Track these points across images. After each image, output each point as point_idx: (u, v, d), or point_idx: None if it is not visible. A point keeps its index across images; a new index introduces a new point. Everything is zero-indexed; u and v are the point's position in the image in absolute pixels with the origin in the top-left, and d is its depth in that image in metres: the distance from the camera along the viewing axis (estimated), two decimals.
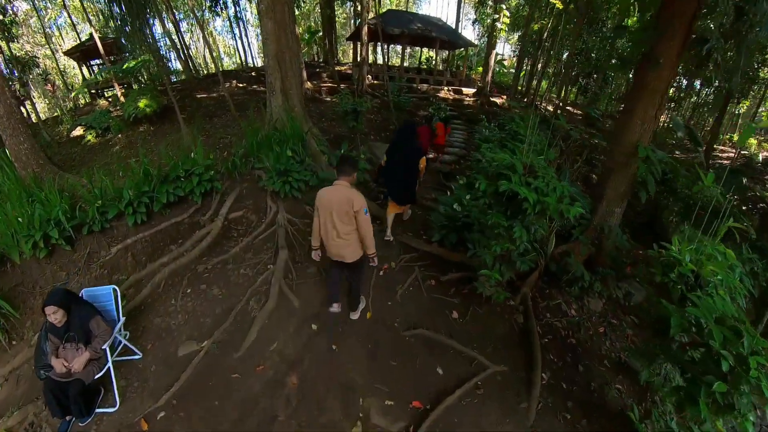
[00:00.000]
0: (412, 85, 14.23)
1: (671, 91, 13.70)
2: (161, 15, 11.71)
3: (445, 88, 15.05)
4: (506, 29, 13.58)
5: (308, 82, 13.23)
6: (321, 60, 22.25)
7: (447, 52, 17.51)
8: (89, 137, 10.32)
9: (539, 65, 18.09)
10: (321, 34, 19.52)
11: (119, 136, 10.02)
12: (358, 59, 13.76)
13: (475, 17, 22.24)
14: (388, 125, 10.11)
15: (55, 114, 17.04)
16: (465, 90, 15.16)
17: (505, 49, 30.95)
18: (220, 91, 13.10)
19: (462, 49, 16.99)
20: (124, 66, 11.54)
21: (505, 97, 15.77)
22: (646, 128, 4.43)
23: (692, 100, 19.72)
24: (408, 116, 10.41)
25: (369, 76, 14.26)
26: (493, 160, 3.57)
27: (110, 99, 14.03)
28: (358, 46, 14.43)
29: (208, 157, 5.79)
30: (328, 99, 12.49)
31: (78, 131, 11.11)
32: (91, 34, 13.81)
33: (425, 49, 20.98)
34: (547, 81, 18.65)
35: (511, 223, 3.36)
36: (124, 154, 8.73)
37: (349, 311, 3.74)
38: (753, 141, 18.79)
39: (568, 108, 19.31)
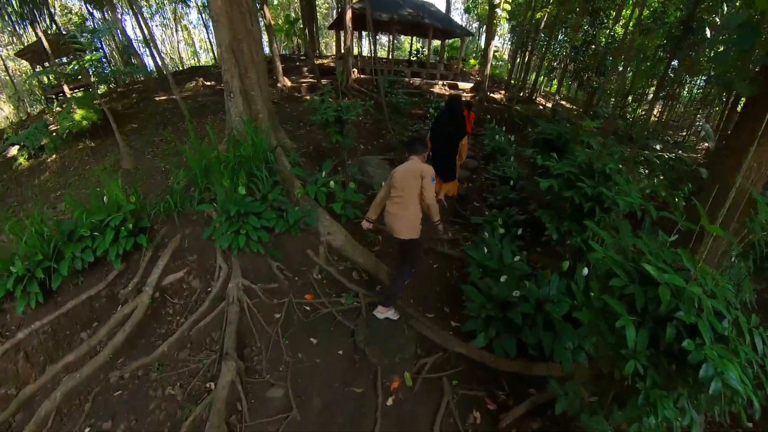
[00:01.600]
0: (404, 79, 12.44)
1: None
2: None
3: (440, 82, 13.27)
4: (507, 17, 11.84)
5: (285, 79, 11.31)
6: (302, 53, 20.10)
7: (439, 43, 15.66)
8: (21, 159, 8.25)
9: (536, 58, 16.48)
10: (301, 23, 17.42)
11: (54, 156, 7.98)
12: (342, 50, 11.84)
13: (465, 4, 20.38)
14: (381, 130, 8.34)
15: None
16: (461, 85, 13.42)
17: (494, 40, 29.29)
18: (181, 92, 11.07)
19: (456, 38, 15.16)
20: (69, 67, 9.36)
21: (503, 92, 14.12)
22: (764, 173, 2.84)
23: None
24: (406, 120, 8.63)
25: (355, 69, 12.38)
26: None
27: (63, 106, 11.82)
28: (341, 35, 12.44)
29: (131, 200, 3.96)
30: (309, 97, 10.62)
31: (13, 151, 8.95)
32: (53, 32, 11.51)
33: (414, 40, 19.03)
34: (544, 75, 17.06)
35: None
36: (51, 184, 6.78)
37: (378, 304, 3.29)
38: None
39: (562, 102, 17.86)
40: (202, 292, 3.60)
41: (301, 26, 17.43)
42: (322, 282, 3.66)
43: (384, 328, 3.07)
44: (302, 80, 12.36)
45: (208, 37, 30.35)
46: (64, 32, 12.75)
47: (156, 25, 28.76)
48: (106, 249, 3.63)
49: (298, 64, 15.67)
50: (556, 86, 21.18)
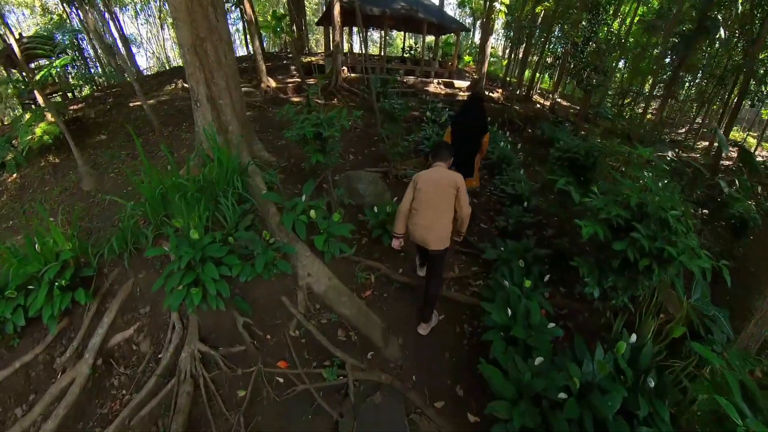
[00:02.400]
0: (397, 78, 11.65)
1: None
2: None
3: (435, 80, 12.47)
4: (505, 11, 11.06)
5: (270, 79, 10.49)
6: (291, 51, 19.13)
7: (433, 39, 14.83)
8: None
9: (533, 54, 15.73)
10: (288, 19, 16.46)
11: (14, 176, 7.11)
12: (331, 47, 10.99)
13: None
14: (373, 136, 7.58)
15: None
16: (457, 83, 12.65)
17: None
18: (159, 96, 10.22)
19: (451, 34, 14.33)
20: (40, 74, 8.46)
21: (500, 90, 13.38)
22: None
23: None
24: (401, 126, 7.84)
25: (344, 68, 11.57)
26: None
27: (26, 118, 10.88)
28: (330, 31, 11.57)
29: (69, 244, 3.20)
30: (296, 99, 9.81)
31: None
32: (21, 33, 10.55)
33: (407, 36, 18.17)
34: (542, 73, 16.34)
35: None
36: (5, 211, 5.94)
37: (420, 321, 3.15)
38: None
39: (560, 101, 17.16)
40: (152, 359, 2.87)
41: (288, 22, 16.47)
42: (300, 342, 2.94)
43: (378, 418, 2.34)
44: (288, 80, 11.53)
45: None
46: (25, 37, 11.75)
47: (142, 23, 27.52)
48: (40, 308, 2.88)
49: (285, 62, 14.79)
50: (548, 83, 20.52)
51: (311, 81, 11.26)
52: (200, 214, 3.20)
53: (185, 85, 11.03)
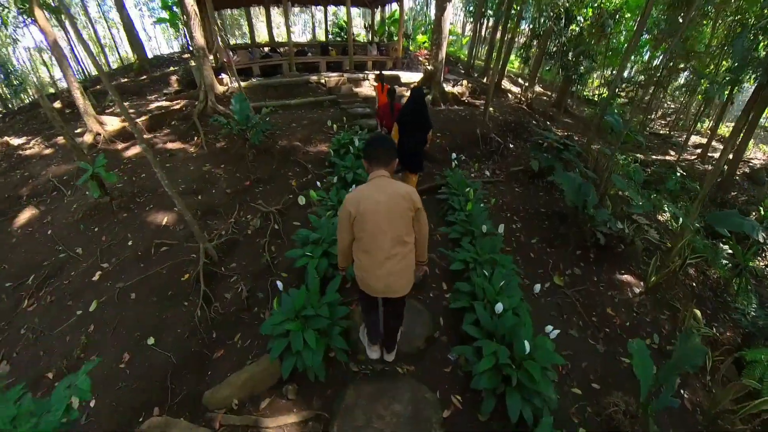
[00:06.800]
0: (309, 79, 7.57)
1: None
2: None
3: (371, 76, 8.48)
4: None
5: (102, 120, 6.31)
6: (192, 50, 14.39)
7: (370, 17, 10.57)
8: None
9: (507, 34, 11.94)
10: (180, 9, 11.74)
11: None
12: (194, 45, 6.65)
13: None
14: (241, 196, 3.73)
15: None
16: (405, 76, 8.77)
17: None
18: None
19: (395, 9, 10.18)
20: None
21: (466, 83, 9.55)
22: None
23: None
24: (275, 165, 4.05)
25: (224, 76, 7.40)
26: None
27: None
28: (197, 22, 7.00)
29: None
30: (134, 150, 5.79)
31: None
32: None
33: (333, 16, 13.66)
34: (518, 56, 12.61)
35: None
36: None
37: (384, 353, 2.33)
38: None
39: (538, 88, 13.57)
40: None
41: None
42: None
43: None
44: (152, 105, 7.29)
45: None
46: None
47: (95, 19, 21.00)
48: None
49: (171, 69, 10.37)
50: (517, 65, 16.89)
51: (177, 105, 7.03)
52: None
53: (13, 141, 6.66)
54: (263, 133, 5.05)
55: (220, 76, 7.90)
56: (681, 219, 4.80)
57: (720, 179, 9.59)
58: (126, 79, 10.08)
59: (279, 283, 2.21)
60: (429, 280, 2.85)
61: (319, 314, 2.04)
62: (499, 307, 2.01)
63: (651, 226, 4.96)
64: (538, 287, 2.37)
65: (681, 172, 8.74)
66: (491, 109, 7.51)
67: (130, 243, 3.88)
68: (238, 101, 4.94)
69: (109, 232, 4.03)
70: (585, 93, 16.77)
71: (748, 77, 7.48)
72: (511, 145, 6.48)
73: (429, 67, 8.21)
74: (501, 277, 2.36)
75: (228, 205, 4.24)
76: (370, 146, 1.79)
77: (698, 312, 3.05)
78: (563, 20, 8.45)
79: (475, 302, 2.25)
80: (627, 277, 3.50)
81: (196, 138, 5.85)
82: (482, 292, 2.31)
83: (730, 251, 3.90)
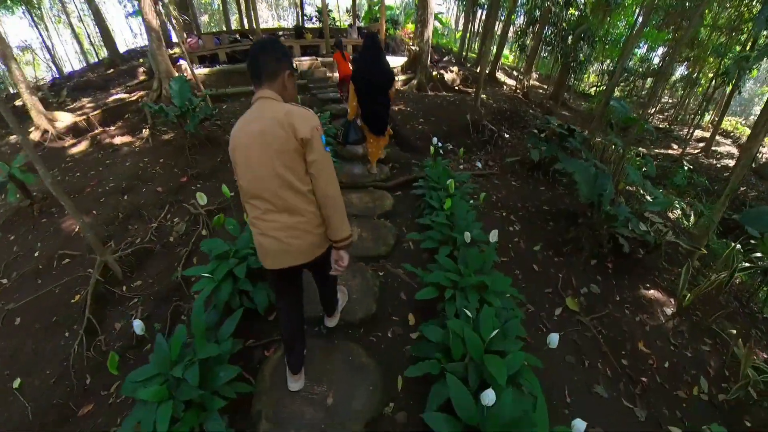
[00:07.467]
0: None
1: None
2: None
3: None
4: None
5: (52, 116, 5.54)
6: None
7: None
8: None
9: (498, 23, 11.13)
10: None
11: None
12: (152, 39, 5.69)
13: None
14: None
15: None
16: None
17: None
18: None
19: None
20: None
21: (457, 69, 8.74)
22: None
23: None
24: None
25: (183, 62, 6.52)
26: None
27: None
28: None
29: None
30: (80, 147, 5.02)
31: None
32: None
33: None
34: (513, 47, 11.83)
35: None
36: None
37: (324, 316, 1.94)
38: None
39: (534, 81, 12.83)
40: None
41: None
42: None
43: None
44: (113, 97, 6.57)
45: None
46: None
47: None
48: None
49: (141, 60, 9.51)
50: (512, 58, 16.11)
51: (134, 96, 6.19)
52: None
53: None
54: (207, 121, 4.20)
55: (178, 63, 7.02)
56: (702, 218, 4.04)
57: (726, 174, 8.97)
58: (94, 75, 9.35)
59: (136, 324, 1.38)
60: (389, 311, 2.03)
61: (185, 378, 1.21)
62: (489, 395, 1.12)
63: (666, 226, 4.23)
64: (555, 339, 1.42)
65: (688, 166, 8.07)
66: (484, 95, 6.72)
67: (36, 254, 3.09)
68: (177, 83, 4.08)
69: (24, 240, 3.26)
70: (581, 87, 16.13)
71: None
72: (506, 135, 5.69)
73: (414, 48, 7.37)
74: (494, 317, 1.50)
75: (157, 206, 3.40)
76: (250, 57, 1.26)
77: (743, 342, 2.29)
78: (563, 1, 7.70)
79: (450, 365, 1.38)
80: (654, 293, 2.73)
81: (144, 130, 5.02)
82: (461, 346, 1.43)
83: (758, 254, 3.23)
